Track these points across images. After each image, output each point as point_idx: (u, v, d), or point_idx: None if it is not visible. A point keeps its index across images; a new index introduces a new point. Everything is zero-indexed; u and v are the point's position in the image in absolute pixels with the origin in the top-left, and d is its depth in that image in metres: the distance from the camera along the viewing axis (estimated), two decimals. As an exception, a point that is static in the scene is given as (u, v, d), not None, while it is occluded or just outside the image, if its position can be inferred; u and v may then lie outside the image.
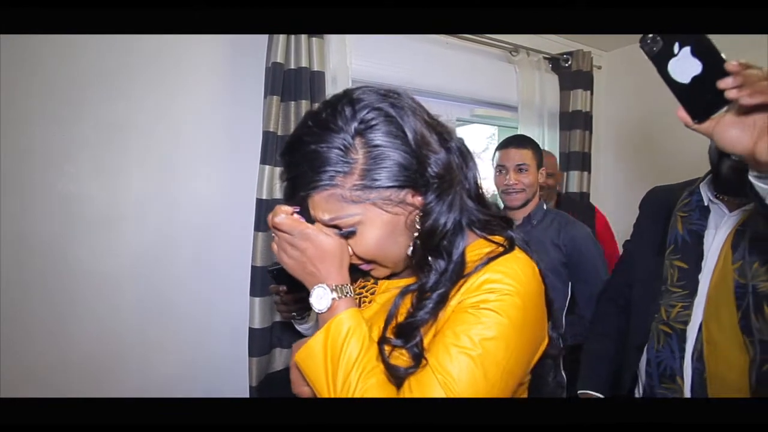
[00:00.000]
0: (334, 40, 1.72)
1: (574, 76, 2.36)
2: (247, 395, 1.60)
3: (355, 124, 0.55)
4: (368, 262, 0.63)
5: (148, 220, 1.50)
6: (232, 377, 1.66)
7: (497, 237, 0.62)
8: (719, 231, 1.02)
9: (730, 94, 0.56)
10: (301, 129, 0.59)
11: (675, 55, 0.62)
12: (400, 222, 0.59)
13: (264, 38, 1.61)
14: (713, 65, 0.59)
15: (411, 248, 0.62)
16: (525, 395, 0.67)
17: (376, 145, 0.55)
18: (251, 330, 1.58)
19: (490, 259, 0.58)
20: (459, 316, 0.55)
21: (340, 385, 0.53)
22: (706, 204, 1.05)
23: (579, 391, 1.20)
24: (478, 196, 0.67)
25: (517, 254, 0.60)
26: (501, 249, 0.59)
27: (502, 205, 1.54)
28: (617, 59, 2.70)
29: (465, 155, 0.66)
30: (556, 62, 2.41)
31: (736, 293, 0.95)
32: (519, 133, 2.15)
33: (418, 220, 0.60)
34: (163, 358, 1.54)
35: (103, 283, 1.43)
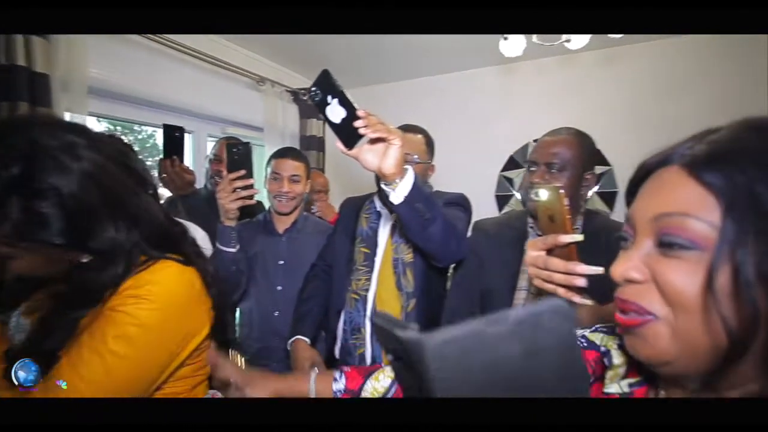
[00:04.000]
0: (63, 42, 1.62)
1: (310, 108, 2.88)
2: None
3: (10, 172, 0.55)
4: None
5: None
6: None
7: (174, 255, 0.67)
8: (385, 227, 1.38)
9: (361, 131, 0.82)
10: None
11: (329, 104, 0.82)
12: (51, 262, 0.62)
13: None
14: (352, 112, 0.81)
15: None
16: (189, 389, 0.71)
17: (38, 202, 0.56)
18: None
19: (140, 269, 0.62)
20: (100, 317, 0.58)
21: None
22: (378, 209, 1.41)
23: (292, 339, 1.39)
24: (160, 226, 0.69)
25: (165, 263, 0.64)
26: (152, 261, 0.64)
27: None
28: (361, 95, 3.38)
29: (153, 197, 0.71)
30: (296, 95, 2.89)
31: (393, 264, 1.33)
32: (263, 150, 2.49)
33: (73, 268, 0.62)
34: None
35: None
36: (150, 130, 2.89)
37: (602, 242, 1.10)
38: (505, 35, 1.76)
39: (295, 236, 1.60)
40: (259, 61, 2.59)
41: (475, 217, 1.39)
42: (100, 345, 0.56)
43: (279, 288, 1.55)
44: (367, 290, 1.35)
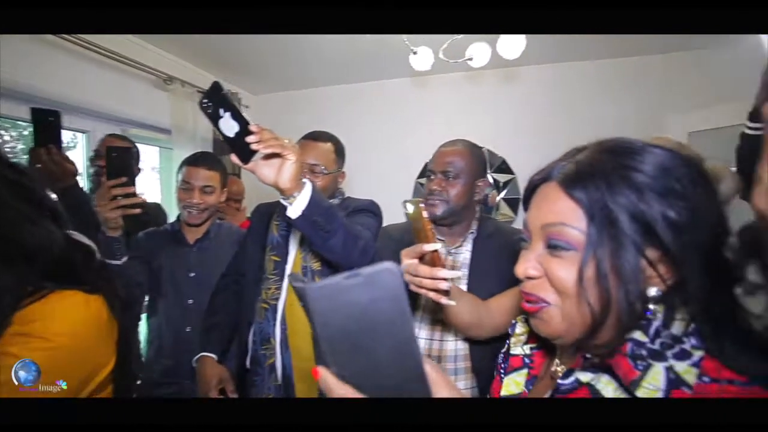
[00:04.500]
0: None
1: (225, 110, 2.78)
2: None
3: None
4: None
5: None
6: None
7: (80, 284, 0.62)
8: (296, 234, 1.34)
9: (254, 147, 0.80)
10: None
11: (222, 117, 0.80)
12: None
13: None
14: (245, 127, 0.79)
15: None
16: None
17: None
18: None
19: (30, 300, 0.57)
20: None
21: None
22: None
23: (197, 356, 1.30)
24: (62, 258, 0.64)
25: (63, 296, 0.59)
26: (46, 290, 0.59)
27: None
28: (264, 102, 3.34)
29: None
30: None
31: (302, 272, 1.30)
32: (171, 153, 2.35)
33: None
34: None
35: None
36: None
37: (495, 244, 1.22)
38: (414, 49, 1.86)
39: (207, 246, 1.51)
40: (168, 59, 2.45)
41: (392, 223, 1.42)
42: None
43: (190, 302, 1.45)
44: (277, 299, 1.32)
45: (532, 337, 0.64)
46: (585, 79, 2.79)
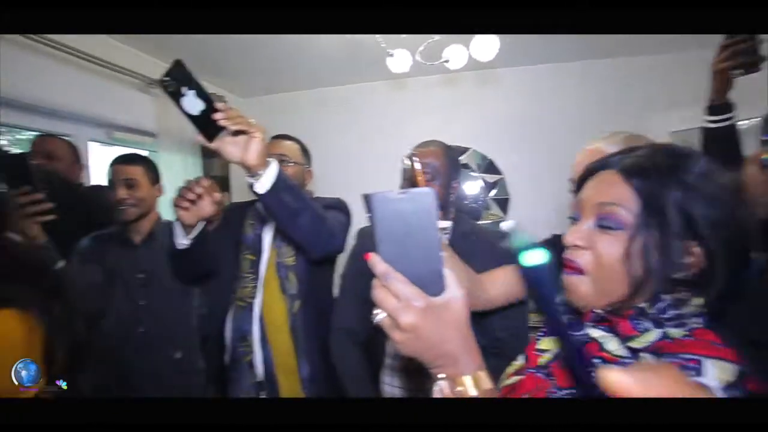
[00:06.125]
0: None
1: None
2: None
3: None
4: None
5: None
6: None
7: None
8: (268, 232, 1.39)
9: (221, 123, 0.83)
10: None
11: (184, 95, 0.79)
12: None
13: None
14: (210, 104, 0.80)
15: None
16: None
17: None
18: None
19: None
20: None
21: None
22: (263, 215, 1.41)
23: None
24: None
25: None
26: None
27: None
28: (253, 105, 3.36)
29: None
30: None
31: (276, 268, 1.35)
32: (157, 156, 2.37)
33: None
34: None
35: None
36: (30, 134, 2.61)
37: (470, 241, 1.23)
38: (390, 52, 1.87)
39: (154, 246, 1.49)
40: (151, 62, 2.46)
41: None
42: None
43: (142, 303, 1.44)
44: (253, 297, 1.35)
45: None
46: (561, 81, 2.82)
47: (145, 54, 2.44)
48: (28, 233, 1.16)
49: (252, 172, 0.94)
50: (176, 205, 1.11)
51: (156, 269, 1.44)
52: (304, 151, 1.48)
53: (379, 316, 0.47)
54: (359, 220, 1.44)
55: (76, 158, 1.82)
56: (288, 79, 2.98)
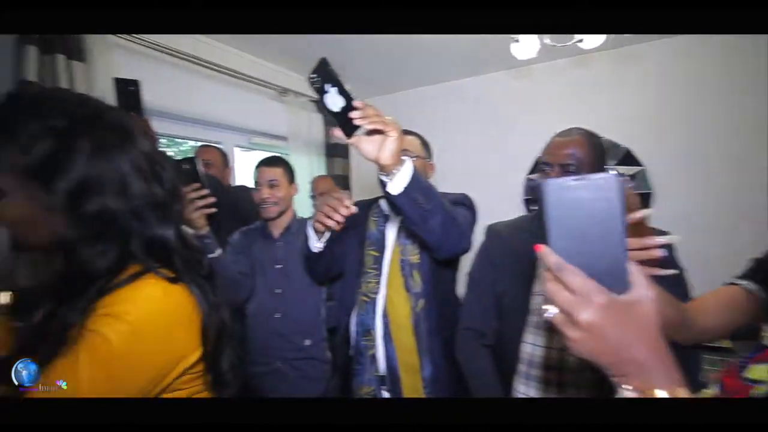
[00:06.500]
0: (101, 64, 1.79)
1: (334, 116, 2.97)
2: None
3: (59, 123, 0.57)
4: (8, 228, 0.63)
5: None
6: None
7: (164, 270, 0.62)
8: (392, 229, 1.36)
9: (357, 122, 0.82)
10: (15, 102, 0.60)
11: (327, 92, 0.82)
12: (40, 223, 0.59)
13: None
14: (349, 102, 0.81)
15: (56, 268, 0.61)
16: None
17: (63, 155, 0.57)
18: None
19: (125, 282, 0.58)
20: (79, 337, 0.55)
21: None
22: (386, 212, 1.39)
23: None
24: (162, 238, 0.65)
25: (149, 280, 0.59)
26: (138, 274, 0.59)
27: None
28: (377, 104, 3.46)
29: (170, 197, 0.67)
30: (319, 104, 2.97)
31: (401, 266, 1.32)
32: (288, 158, 2.58)
33: (63, 244, 0.59)
34: None
35: None
36: (190, 143, 3.10)
37: None
38: (516, 37, 1.74)
39: (291, 240, 1.62)
40: (283, 73, 2.70)
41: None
42: (79, 368, 0.52)
43: (278, 291, 1.58)
44: (376, 293, 1.36)
45: None
46: (715, 54, 2.31)
47: (276, 65, 2.68)
48: (195, 224, 1.36)
49: (386, 171, 0.93)
50: (319, 220, 1.18)
51: (291, 261, 1.58)
52: (425, 145, 1.45)
53: (551, 311, 0.42)
54: (485, 216, 1.38)
55: (226, 163, 2.09)
56: (403, 76, 3.00)
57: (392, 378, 1.35)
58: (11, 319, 0.64)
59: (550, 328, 1.05)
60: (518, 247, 1.18)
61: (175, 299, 0.60)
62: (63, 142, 0.57)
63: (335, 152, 3.01)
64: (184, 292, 0.62)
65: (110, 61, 1.81)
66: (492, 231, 1.29)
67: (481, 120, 3.02)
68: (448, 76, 3.02)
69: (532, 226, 1.21)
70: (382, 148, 0.89)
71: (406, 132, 1.45)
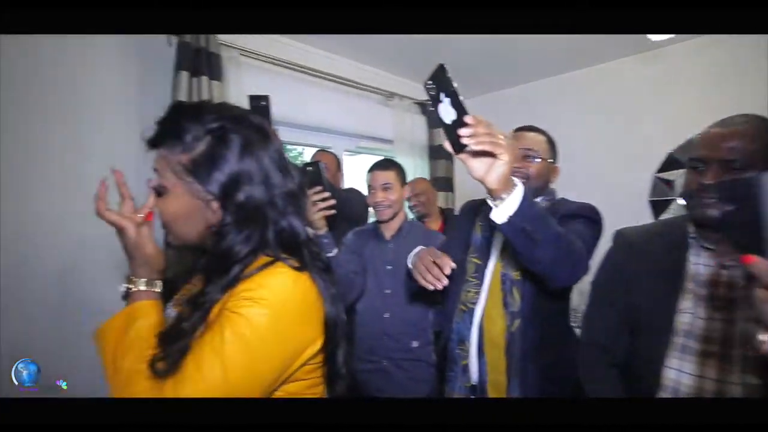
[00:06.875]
0: (233, 81, 2.03)
1: (438, 119, 2.95)
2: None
3: (215, 125, 0.65)
4: (165, 225, 0.71)
5: (66, 231, 1.60)
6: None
7: (292, 260, 0.66)
8: (499, 237, 1.27)
9: (464, 141, 0.75)
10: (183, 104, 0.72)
11: (441, 102, 0.77)
12: (195, 214, 0.67)
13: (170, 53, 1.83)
14: (461, 116, 0.75)
15: (204, 257, 0.67)
16: (303, 393, 0.67)
17: (219, 151, 0.64)
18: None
19: (258, 269, 0.62)
20: (221, 316, 0.59)
21: (120, 360, 0.59)
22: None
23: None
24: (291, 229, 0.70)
25: (281, 269, 0.63)
26: (269, 263, 0.63)
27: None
28: (475, 105, 3.36)
29: (297, 192, 0.71)
30: (423, 106, 2.99)
31: (501, 279, 1.24)
32: (400, 160, 2.63)
33: (214, 230, 0.66)
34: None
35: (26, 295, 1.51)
36: (299, 148, 3.39)
37: None
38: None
39: (402, 242, 1.64)
40: (388, 78, 2.76)
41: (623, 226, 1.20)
42: (220, 346, 0.56)
43: (387, 291, 1.61)
44: (475, 303, 1.28)
45: None
46: None
47: (381, 70, 2.74)
48: (316, 225, 1.45)
49: (493, 195, 0.86)
50: (426, 282, 1.13)
51: (402, 262, 1.56)
52: (551, 144, 1.32)
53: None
54: (611, 221, 1.22)
55: (338, 167, 2.21)
56: (515, 72, 2.86)
57: (481, 392, 1.28)
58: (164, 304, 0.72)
59: (706, 354, 0.89)
60: (655, 257, 1.03)
61: (303, 288, 0.64)
62: (219, 141, 0.64)
63: (439, 154, 2.99)
64: (309, 282, 0.65)
65: (239, 78, 2.03)
66: (622, 237, 1.13)
67: (602, 113, 2.73)
68: (563, 69, 2.82)
69: (674, 232, 1.03)
70: (490, 171, 0.82)
71: (532, 128, 1.33)
